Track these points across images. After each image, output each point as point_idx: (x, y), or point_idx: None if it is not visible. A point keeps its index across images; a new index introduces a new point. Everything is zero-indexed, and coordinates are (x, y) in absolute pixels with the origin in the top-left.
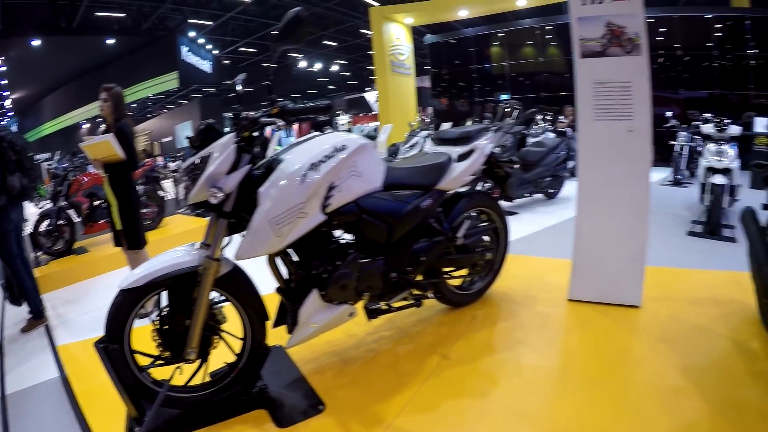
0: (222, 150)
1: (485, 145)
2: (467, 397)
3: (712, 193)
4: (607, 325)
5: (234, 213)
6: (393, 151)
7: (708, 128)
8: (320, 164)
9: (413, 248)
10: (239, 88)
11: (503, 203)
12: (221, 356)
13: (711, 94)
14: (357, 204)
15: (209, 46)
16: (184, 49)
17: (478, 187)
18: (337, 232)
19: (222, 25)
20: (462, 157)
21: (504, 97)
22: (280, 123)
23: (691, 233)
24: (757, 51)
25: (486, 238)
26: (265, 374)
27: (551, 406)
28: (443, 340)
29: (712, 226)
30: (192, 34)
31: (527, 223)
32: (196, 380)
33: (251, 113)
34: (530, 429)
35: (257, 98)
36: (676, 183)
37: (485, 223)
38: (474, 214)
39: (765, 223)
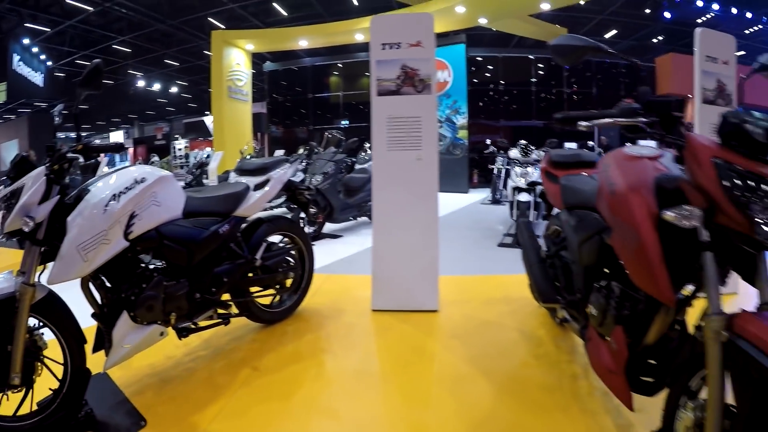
0: (33, 182)
1: (281, 175)
2: (274, 401)
3: (518, 208)
4: (405, 329)
5: (46, 240)
6: (224, 178)
7: (514, 153)
8: (121, 195)
9: (215, 270)
10: (57, 119)
11: (331, 226)
12: (48, 383)
13: (528, 124)
14: (158, 231)
15: (43, 56)
16: (16, 58)
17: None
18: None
19: (60, 33)
20: (259, 187)
21: (343, 124)
22: (81, 159)
23: (502, 245)
24: (575, 87)
25: (290, 259)
26: (92, 399)
27: (349, 402)
28: (255, 354)
29: (518, 238)
30: (26, 41)
31: (350, 245)
32: (24, 409)
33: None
34: (329, 422)
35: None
36: (495, 201)
37: (288, 246)
38: (281, 237)
39: (535, 232)
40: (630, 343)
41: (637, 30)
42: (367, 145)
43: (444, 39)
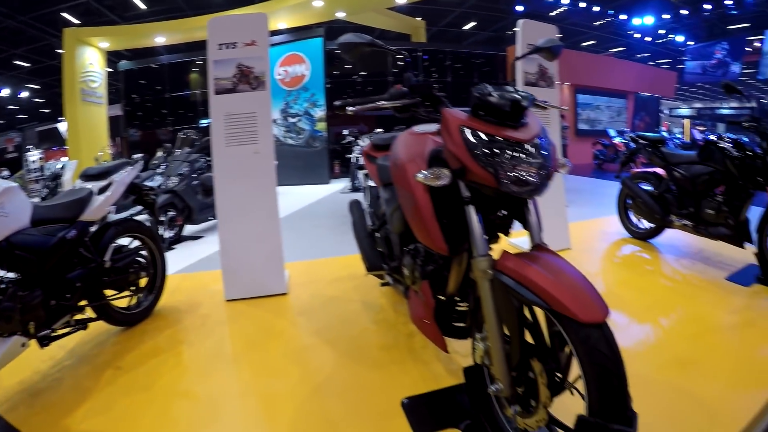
0: None
1: (123, 177)
2: (137, 393)
3: (370, 194)
4: (256, 313)
5: None
6: None
7: (363, 142)
8: None
9: (68, 276)
10: None
11: (192, 227)
12: None
13: (389, 114)
14: (8, 241)
15: None
16: None
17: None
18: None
19: None
20: (102, 190)
21: (203, 123)
22: None
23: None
24: (435, 76)
25: (141, 259)
26: None
27: (205, 383)
28: (117, 355)
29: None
30: None
31: (211, 244)
32: None
33: None
34: (187, 403)
35: None
36: (354, 189)
37: (138, 247)
38: (132, 240)
39: (364, 209)
40: (437, 294)
41: (494, 22)
42: None
43: (302, 33)
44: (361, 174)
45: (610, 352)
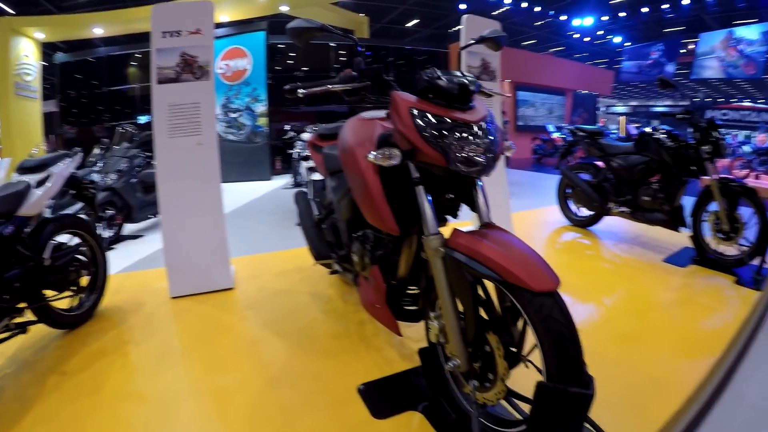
0: None
1: (62, 169)
2: (84, 398)
3: (313, 188)
4: (202, 309)
5: None
6: None
7: (306, 135)
8: None
9: (5, 276)
10: None
11: (132, 226)
12: None
13: (330, 109)
14: None
15: None
16: None
17: None
18: None
19: None
20: (40, 183)
21: (141, 120)
22: None
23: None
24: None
25: (81, 257)
26: None
27: (154, 383)
28: (61, 359)
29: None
30: None
31: (152, 243)
32: None
33: None
34: (137, 404)
35: None
36: (296, 185)
37: (79, 243)
38: (72, 237)
39: (310, 200)
40: (388, 278)
41: (437, 20)
42: None
43: (244, 26)
44: (303, 168)
45: (563, 318)
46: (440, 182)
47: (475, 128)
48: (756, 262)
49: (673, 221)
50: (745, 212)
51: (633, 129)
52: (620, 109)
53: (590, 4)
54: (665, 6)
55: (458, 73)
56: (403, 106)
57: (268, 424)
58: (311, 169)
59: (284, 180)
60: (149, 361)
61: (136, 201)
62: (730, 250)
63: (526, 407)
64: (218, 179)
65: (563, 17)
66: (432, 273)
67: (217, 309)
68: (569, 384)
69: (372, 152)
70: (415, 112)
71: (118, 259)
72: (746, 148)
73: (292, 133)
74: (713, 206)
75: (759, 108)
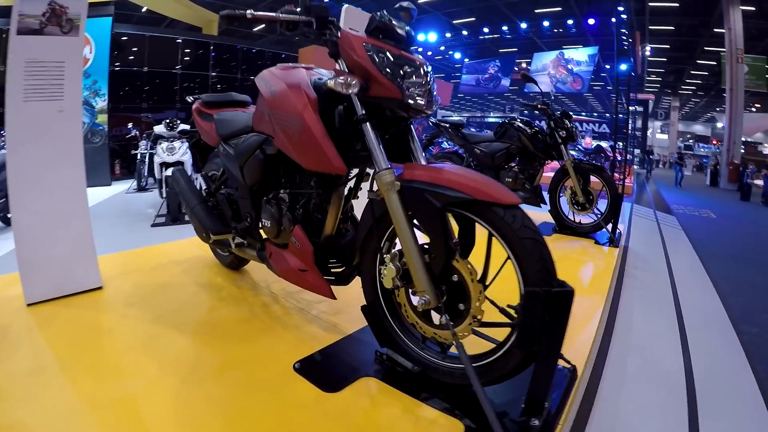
0: None
1: None
2: None
3: (167, 185)
4: (72, 313)
5: None
6: None
7: (160, 128)
8: None
9: None
10: None
11: None
12: None
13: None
14: None
15: None
16: None
17: None
18: None
19: None
20: None
21: None
22: None
23: (155, 224)
24: (218, 71)
25: None
26: None
27: (32, 406)
28: None
29: (173, 215)
30: None
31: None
32: None
33: None
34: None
35: None
36: (142, 189)
37: None
38: None
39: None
40: (312, 240)
41: None
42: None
43: (89, 10)
44: (156, 165)
45: (533, 226)
46: (381, 123)
47: (422, 69)
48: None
49: (535, 198)
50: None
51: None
52: (455, 119)
53: (435, 22)
54: (504, 28)
55: (399, 23)
56: (357, 42)
57: (205, 419)
58: (165, 165)
59: (126, 185)
60: (18, 382)
61: None
62: (585, 219)
63: (491, 332)
64: (81, 155)
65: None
66: (390, 210)
67: (89, 311)
68: (551, 285)
69: (333, 78)
70: (370, 46)
71: None
72: (573, 152)
73: (134, 132)
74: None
75: (585, 120)
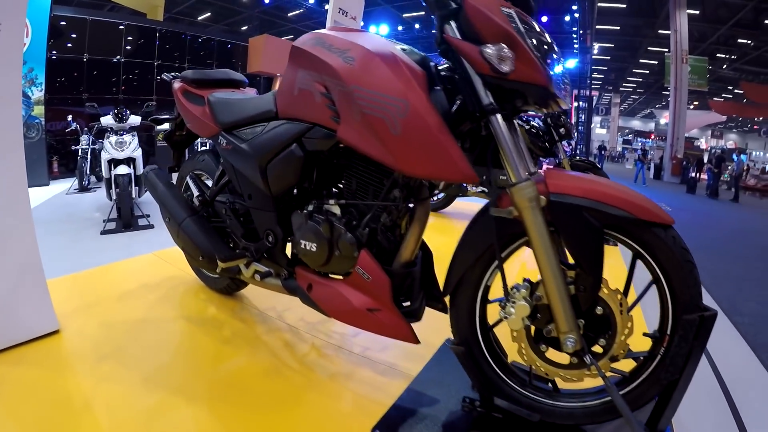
0: None
1: None
2: None
3: (117, 185)
4: (24, 374)
5: None
6: None
7: (108, 120)
8: None
9: None
10: None
11: None
12: None
13: (116, 97)
14: None
15: None
16: None
17: None
18: None
19: None
20: None
21: None
22: None
23: (105, 232)
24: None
25: None
26: None
27: None
28: None
29: (125, 220)
30: None
31: None
32: None
33: None
34: None
35: None
36: (84, 189)
37: None
38: None
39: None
40: (385, 269)
41: (229, 16)
42: None
43: None
44: (104, 161)
45: (687, 247)
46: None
47: (558, 52)
48: None
49: None
50: None
51: None
52: None
53: (385, 15)
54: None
55: None
56: (494, 3)
57: None
58: (114, 162)
59: (66, 184)
60: None
61: None
62: None
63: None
64: (20, 148)
65: (360, 23)
66: (527, 230)
67: (47, 371)
68: (700, 309)
69: (486, 47)
70: (513, 13)
71: None
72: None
73: (74, 125)
74: None
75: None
